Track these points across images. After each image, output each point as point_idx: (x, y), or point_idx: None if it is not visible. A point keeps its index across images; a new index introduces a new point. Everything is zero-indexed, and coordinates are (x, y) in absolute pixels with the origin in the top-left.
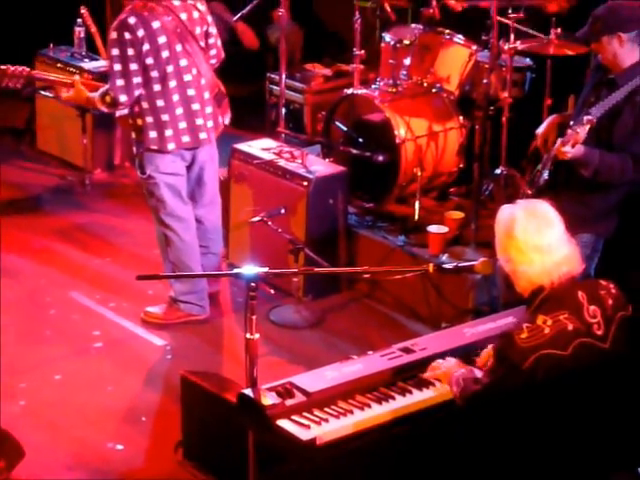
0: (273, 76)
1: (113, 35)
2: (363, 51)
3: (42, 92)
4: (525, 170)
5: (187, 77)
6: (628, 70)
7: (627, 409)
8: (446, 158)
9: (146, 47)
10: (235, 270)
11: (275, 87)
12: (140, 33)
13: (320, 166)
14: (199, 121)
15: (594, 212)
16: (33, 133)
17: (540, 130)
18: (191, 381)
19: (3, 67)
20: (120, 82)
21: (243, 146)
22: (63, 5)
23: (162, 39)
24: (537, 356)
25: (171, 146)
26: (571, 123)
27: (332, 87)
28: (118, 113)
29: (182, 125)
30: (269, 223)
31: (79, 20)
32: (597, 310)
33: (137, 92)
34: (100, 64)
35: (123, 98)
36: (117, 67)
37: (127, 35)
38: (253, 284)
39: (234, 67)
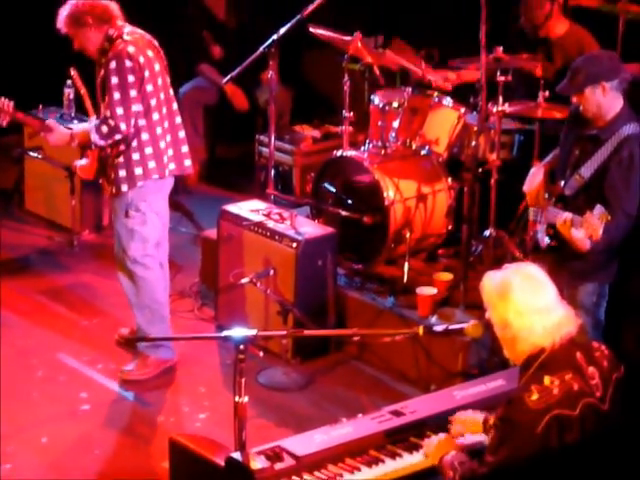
0: (262, 138)
1: (112, 65)
2: (352, 113)
3: (31, 153)
4: (514, 232)
5: (174, 105)
6: (610, 123)
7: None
8: (435, 220)
9: (147, 74)
10: (224, 332)
11: (264, 149)
12: (141, 60)
13: (309, 227)
14: (184, 148)
15: (593, 265)
16: (22, 194)
17: (528, 188)
18: (179, 444)
19: None
20: (120, 110)
21: (232, 207)
22: (52, 66)
23: (157, 66)
24: (550, 417)
25: (167, 172)
26: (567, 192)
27: (321, 149)
28: (101, 144)
29: (170, 152)
30: (258, 284)
31: (68, 81)
32: (595, 371)
33: (134, 121)
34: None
35: (123, 127)
36: (117, 95)
37: (128, 63)
38: (242, 347)
39: (224, 129)
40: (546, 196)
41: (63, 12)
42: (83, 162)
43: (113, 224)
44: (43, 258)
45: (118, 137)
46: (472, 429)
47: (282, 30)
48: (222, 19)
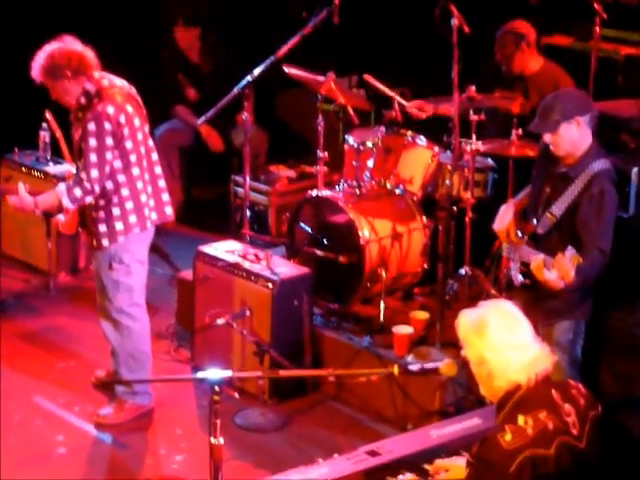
0: (238, 178)
1: (91, 126)
2: (327, 153)
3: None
4: (489, 270)
5: (154, 155)
6: (580, 160)
7: None
8: (410, 258)
9: (126, 131)
10: (199, 374)
11: (240, 189)
12: (121, 119)
13: (285, 267)
14: (165, 197)
15: (568, 302)
16: None
17: (498, 226)
18: None
19: None
20: (95, 173)
21: (208, 248)
22: (28, 109)
23: (137, 121)
24: (523, 458)
25: (148, 224)
26: (540, 231)
27: (296, 189)
28: (72, 207)
29: (152, 203)
30: (234, 325)
31: (44, 124)
32: (572, 409)
33: (118, 179)
34: (65, 168)
35: (97, 189)
36: (93, 158)
37: (107, 125)
38: (217, 388)
39: (199, 170)
40: (519, 234)
41: (38, 62)
42: (63, 218)
43: (94, 273)
44: (19, 301)
45: (89, 199)
46: (457, 475)
47: (256, 71)
48: (196, 62)
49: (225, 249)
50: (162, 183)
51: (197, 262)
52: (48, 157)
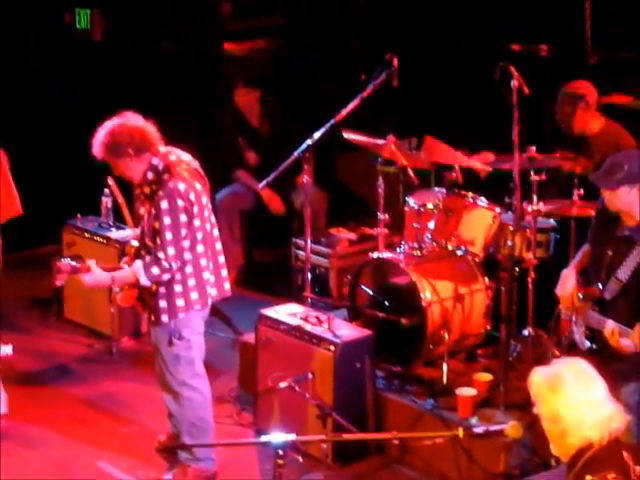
0: (299, 241)
1: (164, 205)
2: (387, 215)
3: (70, 262)
4: (553, 331)
5: (215, 231)
6: None
7: None
8: (473, 320)
9: (196, 209)
10: (263, 437)
11: (301, 252)
12: (192, 197)
13: (346, 330)
14: (224, 272)
15: (636, 365)
16: (60, 302)
17: (562, 291)
18: None
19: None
20: (172, 251)
21: (270, 311)
22: (90, 176)
23: (204, 199)
24: None
25: (209, 301)
26: (608, 297)
27: (357, 251)
28: (149, 284)
29: (212, 279)
30: (296, 388)
31: (106, 190)
32: None
33: (184, 256)
34: (127, 233)
35: (175, 266)
36: (169, 236)
37: (180, 202)
38: (281, 452)
39: (260, 233)
40: (581, 298)
41: (98, 139)
42: (122, 291)
43: (152, 346)
44: (82, 366)
45: (167, 277)
46: None
47: (316, 135)
48: (256, 125)
49: (287, 312)
50: (222, 259)
51: (259, 325)
52: (110, 222)
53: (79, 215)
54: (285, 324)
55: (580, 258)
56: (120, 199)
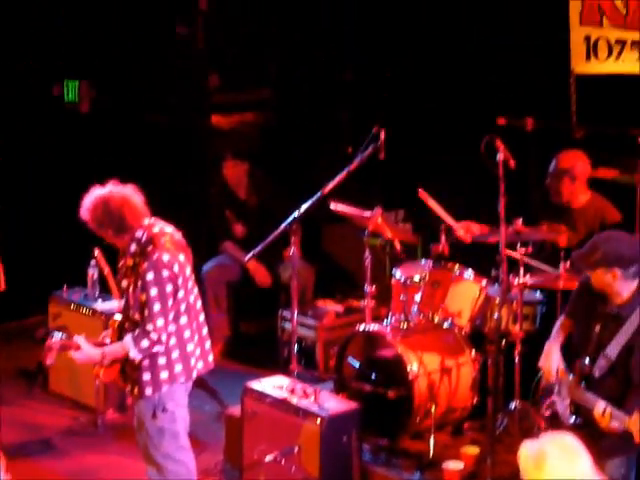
0: (285, 313)
1: (149, 276)
2: (374, 287)
3: (55, 333)
4: (539, 404)
5: (199, 303)
6: (630, 301)
7: None
8: (460, 393)
9: (180, 280)
10: None
11: (287, 324)
12: (176, 268)
13: (333, 403)
14: (207, 345)
15: (620, 441)
16: (46, 375)
17: (547, 365)
18: None
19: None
20: (161, 322)
21: (256, 384)
22: (77, 247)
23: (187, 270)
24: None
25: (194, 374)
26: (597, 374)
27: (344, 323)
28: (139, 357)
29: (198, 352)
30: (283, 462)
31: (92, 262)
32: None
33: (170, 327)
34: (113, 305)
35: (164, 337)
36: (157, 307)
37: (165, 273)
38: None
39: (247, 305)
40: (569, 374)
41: (85, 207)
42: (104, 366)
43: (136, 420)
44: (67, 439)
45: (156, 349)
46: None
47: (303, 207)
48: (244, 197)
49: (273, 385)
50: (205, 331)
51: (245, 398)
52: (96, 294)
53: (65, 286)
54: (271, 397)
55: (560, 330)
56: (106, 270)
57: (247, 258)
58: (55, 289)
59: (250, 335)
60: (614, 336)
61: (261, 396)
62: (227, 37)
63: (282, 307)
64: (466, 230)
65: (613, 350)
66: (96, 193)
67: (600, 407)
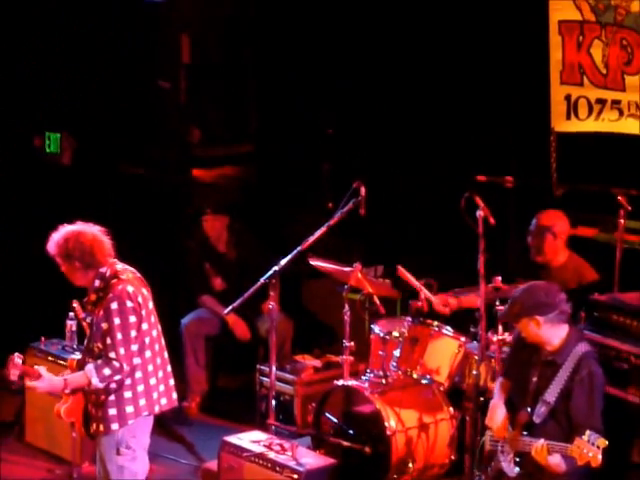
0: (263, 368)
1: (113, 306)
2: (352, 342)
3: (16, 356)
4: (479, 461)
5: (162, 340)
6: (562, 347)
7: None
8: (437, 449)
9: (144, 312)
10: None
11: (265, 379)
12: (139, 299)
13: (310, 458)
14: (171, 382)
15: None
16: (22, 426)
17: (493, 422)
18: None
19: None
20: (122, 351)
21: (233, 438)
22: (54, 299)
23: (150, 304)
24: None
25: (156, 408)
26: (537, 421)
27: (322, 378)
28: (100, 386)
29: (161, 388)
30: None
31: (71, 314)
32: None
33: (133, 361)
34: None
35: (126, 367)
36: (119, 336)
37: (129, 303)
38: None
39: (225, 359)
40: (509, 428)
41: (53, 240)
42: (65, 405)
43: (96, 459)
44: None
45: (118, 377)
46: None
47: (283, 261)
48: (223, 250)
49: (250, 439)
50: (169, 368)
51: (222, 452)
52: (75, 346)
53: (43, 338)
54: (248, 451)
55: (500, 390)
56: (85, 322)
57: (226, 311)
58: (33, 341)
59: (228, 389)
60: (551, 382)
61: (239, 450)
62: (208, 91)
63: (260, 361)
64: (444, 304)
65: (551, 396)
66: (67, 228)
67: (538, 444)
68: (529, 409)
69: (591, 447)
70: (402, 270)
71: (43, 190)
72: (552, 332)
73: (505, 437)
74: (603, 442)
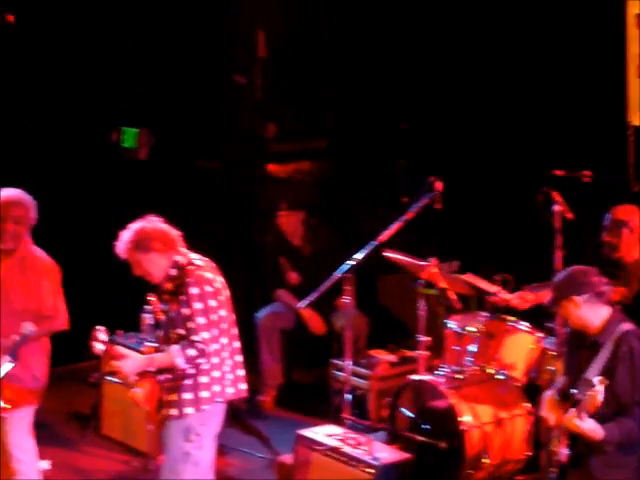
0: (338, 362)
1: (194, 290)
2: (428, 337)
3: (109, 378)
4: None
5: (235, 330)
6: (604, 328)
7: None
8: (513, 445)
9: (221, 298)
10: None
11: (340, 373)
12: (217, 285)
13: (385, 453)
14: (240, 372)
15: (632, 471)
16: (99, 419)
17: (545, 412)
18: None
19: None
20: (206, 334)
21: (308, 432)
22: (129, 293)
23: (226, 292)
24: None
25: (227, 395)
26: (573, 391)
27: (397, 373)
28: (185, 367)
29: (231, 376)
30: None
31: (147, 307)
32: None
33: (214, 345)
34: None
35: (210, 349)
36: (202, 320)
37: (208, 288)
38: None
39: (300, 353)
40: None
41: (125, 237)
42: (142, 391)
43: (162, 444)
44: None
45: (202, 360)
46: None
47: (358, 255)
48: (298, 245)
49: (325, 433)
50: (238, 358)
51: (297, 446)
52: (152, 339)
53: (120, 331)
54: (323, 445)
55: (559, 380)
56: (161, 315)
57: (302, 305)
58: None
59: (302, 383)
60: (593, 361)
61: (313, 444)
62: (284, 86)
63: (335, 356)
64: (522, 300)
65: (592, 374)
66: (134, 224)
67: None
68: (576, 390)
69: (596, 388)
70: (472, 278)
71: (119, 185)
72: (592, 312)
73: (560, 425)
74: (604, 381)
